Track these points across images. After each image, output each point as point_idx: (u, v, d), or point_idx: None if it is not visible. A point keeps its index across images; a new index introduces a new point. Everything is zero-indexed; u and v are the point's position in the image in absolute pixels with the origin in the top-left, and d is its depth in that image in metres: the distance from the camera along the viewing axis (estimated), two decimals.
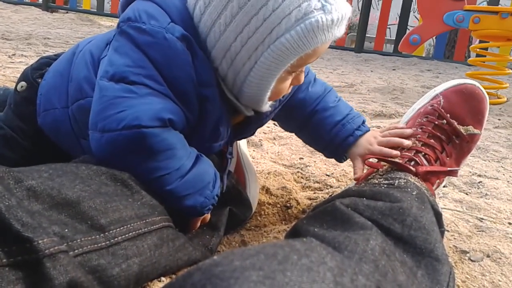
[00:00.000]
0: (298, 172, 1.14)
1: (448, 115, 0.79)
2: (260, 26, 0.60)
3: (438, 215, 0.64)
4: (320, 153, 1.31)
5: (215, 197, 0.69)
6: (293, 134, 0.95)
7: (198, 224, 0.72)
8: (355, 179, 0.81)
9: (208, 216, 0.73)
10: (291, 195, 0.96)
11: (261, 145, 1.35)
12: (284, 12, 0.59)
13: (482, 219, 0.95)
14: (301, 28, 0.59)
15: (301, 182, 1.09)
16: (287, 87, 0.70)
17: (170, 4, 0.64)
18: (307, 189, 1.06)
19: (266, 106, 0.70)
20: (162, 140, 0.62)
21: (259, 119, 0.78)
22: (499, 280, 0.72)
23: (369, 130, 0.85)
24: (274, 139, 1.43)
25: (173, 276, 0.64)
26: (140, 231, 0.57)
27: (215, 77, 0.66)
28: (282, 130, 0.98)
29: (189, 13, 0.65)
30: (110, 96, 0.61)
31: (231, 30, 0.61)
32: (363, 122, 0.86)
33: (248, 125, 0.79)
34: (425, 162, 0.74)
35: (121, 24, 0.65)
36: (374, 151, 0.80)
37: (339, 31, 0.62)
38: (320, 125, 0.85)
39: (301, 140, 0.97)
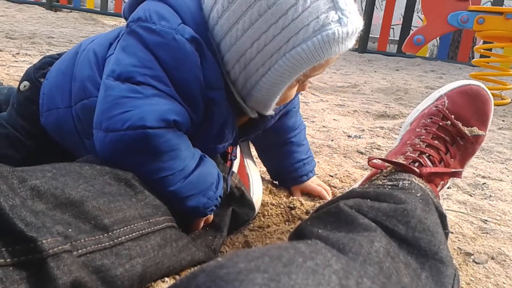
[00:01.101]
0: None
1: (453, 116, 0.79)
2: (278, 34, 0.60)
3: (442, 217, 0.64)
4: (324, 154, 1.30)
5: (218, 198, 0.69)
6: None
7: (201, 224, 0.72)
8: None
9: (211, 216, 0.73)
10: (294, 195, 0.96)
11: None
12: (302, 23, 0.59)
13: (486, 221, 0.94)
14: (318, 39, 0.60)
15: None
16: (294, 93, 0.71)
17: (183, 5, 0.64)
18: None
19: (271, 110, 0.70)
20: (166, 140, 0.62)
21: (263, 122, 0.78)
22: (504, 283, 0.72)
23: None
24: None
25: (177, 276, 0.63)
26: (143, 231, 0.57)
27: (223, 79, 0.65)
28: None
29: (203, 16, 0.65)
30: (116, 96, 0.61)
31: (249, 36, 0.62)
32: (314, 166, 1.00)
33: (253, 127, 0.79)
34: (429, 163, 0.74)
35: (131, 24, 0.65)
36: (307, 188, 0.97)
37: (351, 43, 0.64)
38: (288, 156, 0.95)
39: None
